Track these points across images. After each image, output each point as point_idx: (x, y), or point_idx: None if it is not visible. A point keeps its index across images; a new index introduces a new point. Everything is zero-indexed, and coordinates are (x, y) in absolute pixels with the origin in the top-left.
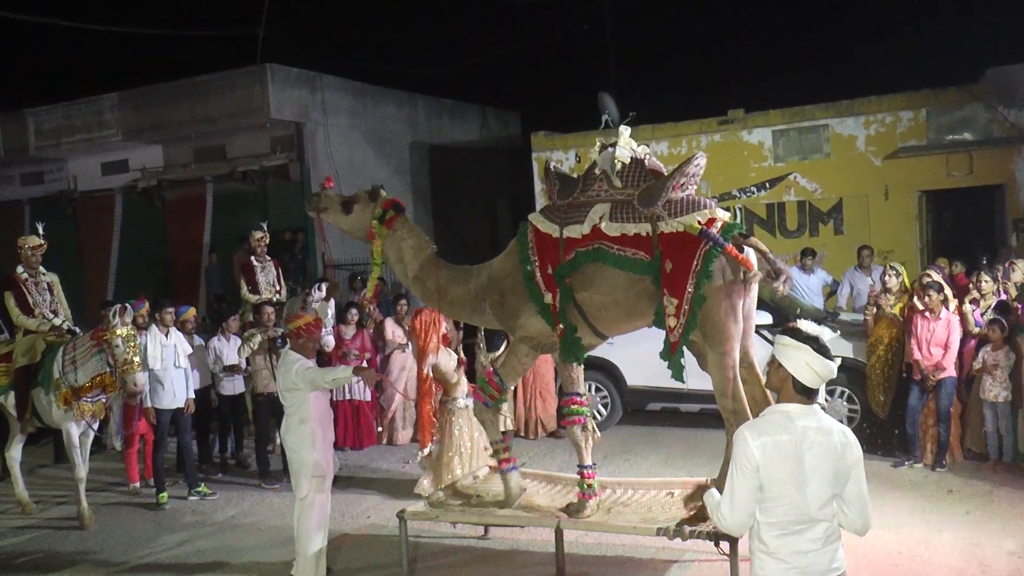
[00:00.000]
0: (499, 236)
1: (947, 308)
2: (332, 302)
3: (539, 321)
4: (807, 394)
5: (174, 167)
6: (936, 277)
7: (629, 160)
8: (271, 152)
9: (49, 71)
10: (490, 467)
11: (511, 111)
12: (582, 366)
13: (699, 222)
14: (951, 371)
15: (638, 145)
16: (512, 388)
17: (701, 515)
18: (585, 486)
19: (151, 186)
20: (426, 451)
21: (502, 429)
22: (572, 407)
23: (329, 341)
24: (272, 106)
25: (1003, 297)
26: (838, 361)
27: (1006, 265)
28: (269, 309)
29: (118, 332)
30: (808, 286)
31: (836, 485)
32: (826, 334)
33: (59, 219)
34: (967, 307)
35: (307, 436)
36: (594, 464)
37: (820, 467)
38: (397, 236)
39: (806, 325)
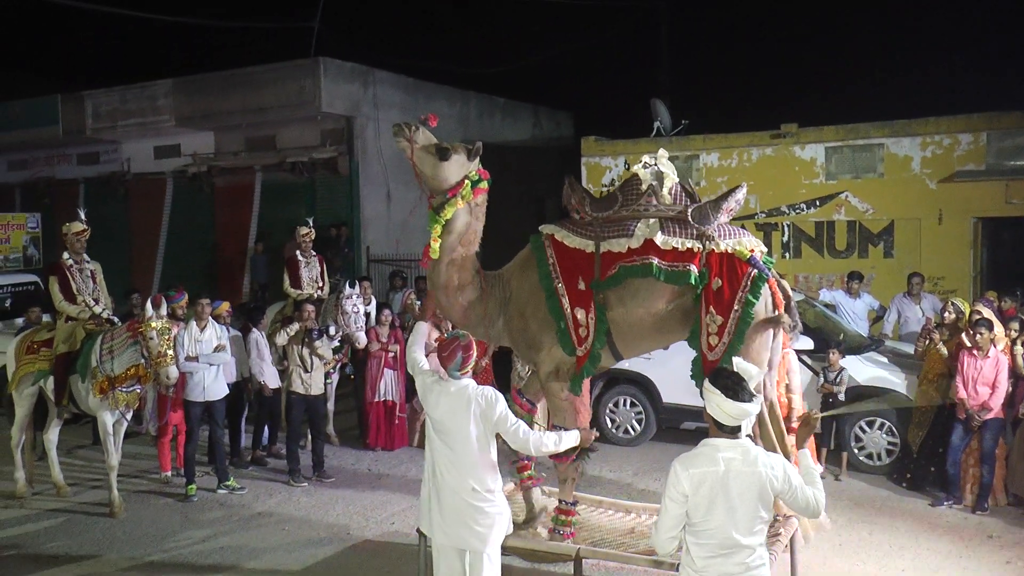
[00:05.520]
0: None
1: (995, 346)
2: (373, 302)
3: (559, 349)
4: (728, 432)
5: (224, 154)
6: (986, 313)
7: (676, 179)
8: (321, 144)
9: (108, 56)
10: (514, 484)
11: (564, 111)
12: None
13: (747, 248)
14: (998, 411)
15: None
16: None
17: None
18: (560, 521)
19: (201, 172)
20: None
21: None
22: None
23: (361, 338)
24: (324, 99)
25: None
26: (758, 400)
27: None
28: (310, 307)
29: (153, 325)
30: (853, 310)
31: (764, 510)
32: (752, 372)
33: (111, 200)
34: (1018, 348)
35: None
36: (575, 502)
37: (745, 494)
38: (475, 211)
39: (737, 363)
